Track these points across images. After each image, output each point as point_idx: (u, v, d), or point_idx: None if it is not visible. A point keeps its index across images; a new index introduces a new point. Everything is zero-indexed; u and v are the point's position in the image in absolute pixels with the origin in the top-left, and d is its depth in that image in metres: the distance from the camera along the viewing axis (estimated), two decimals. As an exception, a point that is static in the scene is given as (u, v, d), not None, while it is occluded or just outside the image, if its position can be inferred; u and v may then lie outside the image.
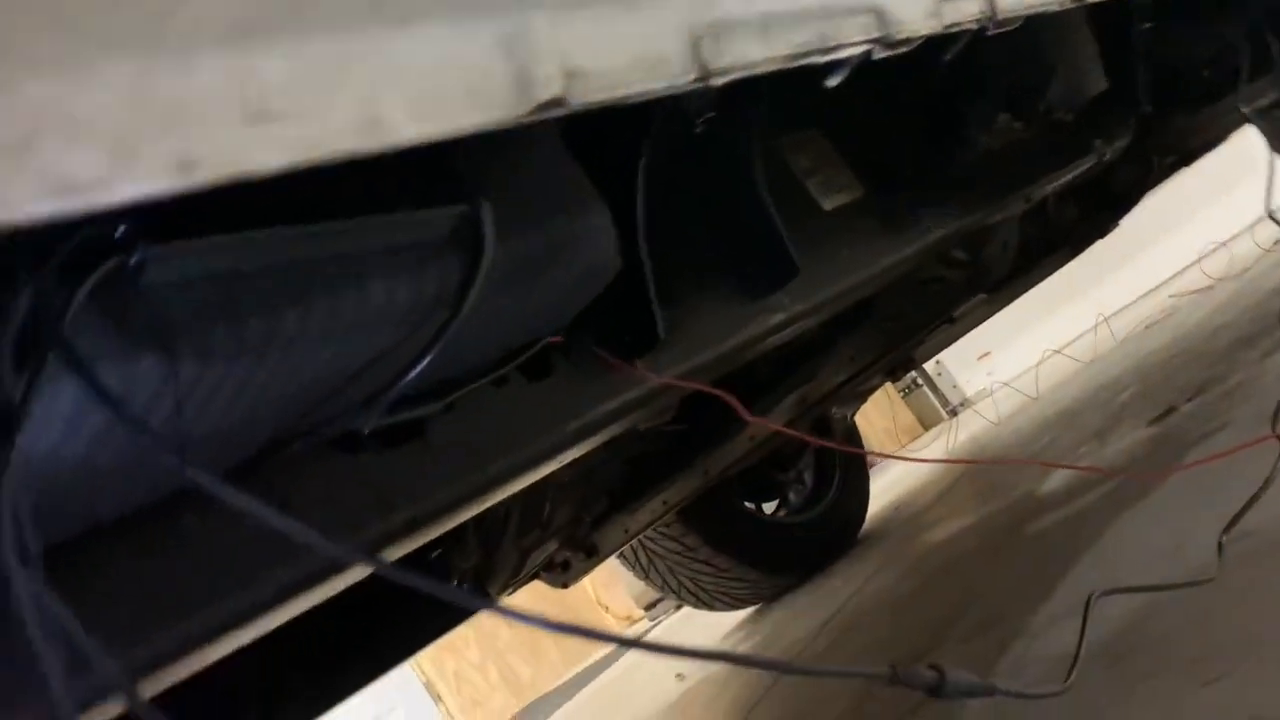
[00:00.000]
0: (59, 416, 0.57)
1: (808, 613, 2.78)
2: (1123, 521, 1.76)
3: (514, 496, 1.35)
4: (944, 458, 4.02)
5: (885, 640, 2.12)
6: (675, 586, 3.05)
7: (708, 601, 3.12)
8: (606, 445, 1.66)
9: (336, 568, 0.79)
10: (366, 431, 0.94)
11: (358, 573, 0.83)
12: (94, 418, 0.58)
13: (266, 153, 0.44)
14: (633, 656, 4.73)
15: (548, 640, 5.96)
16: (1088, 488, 2.14)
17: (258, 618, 0.75)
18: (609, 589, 5.60)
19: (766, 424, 1.75)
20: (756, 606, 3.24)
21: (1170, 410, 2.33)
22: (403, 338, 0.78)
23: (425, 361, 0.78)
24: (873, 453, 4.80)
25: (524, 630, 5.96)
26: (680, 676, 3.12)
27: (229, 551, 0.73)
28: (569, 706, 4.53)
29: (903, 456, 4.80)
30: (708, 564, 3.00)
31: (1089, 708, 1.10)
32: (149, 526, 0.70)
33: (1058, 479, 2.46)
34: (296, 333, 0.67)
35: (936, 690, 0.71)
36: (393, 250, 0.73)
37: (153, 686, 0.69)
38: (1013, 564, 2.07)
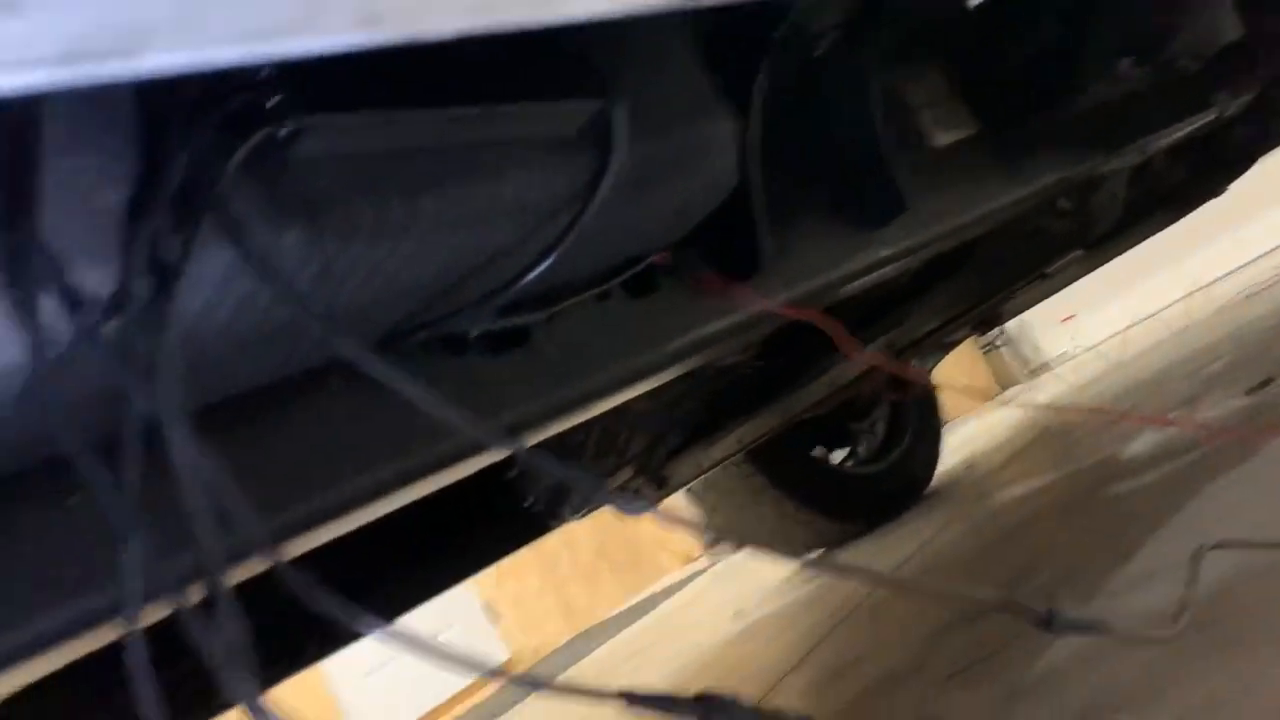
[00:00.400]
0: (210, 280, 0.58)
1: (873, 562, 2.78)
2: (1216, 487, 1.72)
3: (594, 419, 1.35)
4: (1038, 406, 3.94)
5: (953, 593, 2.11)
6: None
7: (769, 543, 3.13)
8: (690, 375, 1.64)
9: (469, 452, 0.80)
10: (474, 334, 0.95)
11: (488, 458, 0.84)
12: (243, 283, 0.59)
13: (444, 14, 0.44)
14: (689, 593, 4.78)
15: (606, 571, 6.06)
16: (1175, 453, 2.09)
17: (388, 494, 0.77)
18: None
19: (871, 357, 1.71)
20: (819, 551, 3.24)
21: (1269, 380, 2.27)
22: (526, 235, 0.78)
23: (549, 261, 0.78)
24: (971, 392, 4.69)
25: (584, 560, 6.06)
26: (739, 614, 3.14)
27: (366, 427, 0.74)
28: (623, 636, 4.60)
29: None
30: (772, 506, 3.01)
31: (1172, 668, 1.08)
32: (289, 397, 0.72)
33: (1142, 443, 2.40)
34: (432, 218, 0.68)
35: (1048, 622, 0.70)
36: (527, 142, 0.72)
37: (287, 552, 0.71)
38: (1090, 525, 2.03)
